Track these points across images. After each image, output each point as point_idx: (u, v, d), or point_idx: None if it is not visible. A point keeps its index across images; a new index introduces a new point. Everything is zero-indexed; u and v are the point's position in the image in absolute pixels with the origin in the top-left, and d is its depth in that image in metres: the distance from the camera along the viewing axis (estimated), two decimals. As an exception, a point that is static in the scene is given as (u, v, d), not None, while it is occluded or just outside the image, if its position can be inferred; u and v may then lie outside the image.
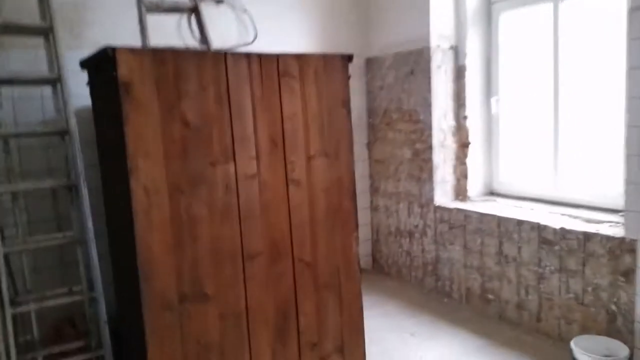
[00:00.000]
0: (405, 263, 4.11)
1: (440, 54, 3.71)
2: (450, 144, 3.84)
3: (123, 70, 1.75)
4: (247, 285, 2.07)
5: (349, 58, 2.25)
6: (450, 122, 3.81)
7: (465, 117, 3.77)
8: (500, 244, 3.29)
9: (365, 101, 4.32)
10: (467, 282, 3.59)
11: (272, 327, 2.14)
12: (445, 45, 3.72)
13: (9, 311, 2.24)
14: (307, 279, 2.22)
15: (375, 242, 4.45)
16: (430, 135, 3.76)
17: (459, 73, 3.76)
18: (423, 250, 3.94)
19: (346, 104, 2.25)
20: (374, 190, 4.40)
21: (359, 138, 4.28)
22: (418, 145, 3.88)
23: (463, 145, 3.84)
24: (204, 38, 2.89)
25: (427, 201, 3.84)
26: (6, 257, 2.44)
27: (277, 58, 2.07)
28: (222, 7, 3.64)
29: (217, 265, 2.00)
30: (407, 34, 3.88)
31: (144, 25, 2.70)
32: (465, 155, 3.82)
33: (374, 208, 4.42)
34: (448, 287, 3.74)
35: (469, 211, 3.52)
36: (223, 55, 1.95)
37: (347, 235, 2.31)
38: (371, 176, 4.39)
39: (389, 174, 4.20)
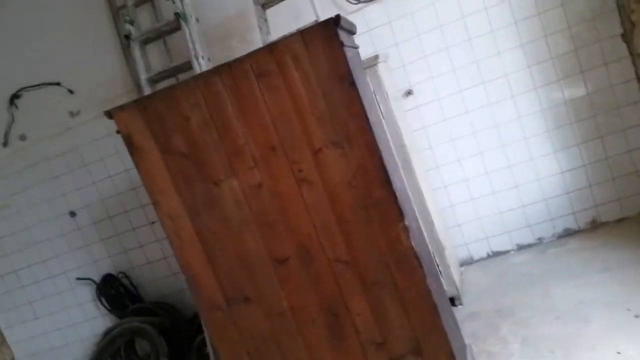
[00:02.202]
0: None
1: None
2: None
3: (121, 126, 2.11)
4: (284, 287, 2.13)
5: (336, 21, 1.86)
6: None
7: None
8: None
9: None
10: None
11: (322, 325, 2.13)
12: None
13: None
14: (351, 278, 2.06)
15: None
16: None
17: None
18: None
19: (346, 76, 1.88)
20: None
21: (606, 29, 3.16)
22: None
23: None
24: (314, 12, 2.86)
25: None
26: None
27: (248, 59, 1.96)
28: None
29: (249, 271, 2.15)
30: None
31: (260, 21, 2.91)
32: None
33: None
34: None
35: None
36: (194, 81, 2.02)
37: (390, 228, 1.97)
38: None
39: None
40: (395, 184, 2.05)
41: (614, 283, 2.69)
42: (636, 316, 2.37)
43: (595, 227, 3.38)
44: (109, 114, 2.11)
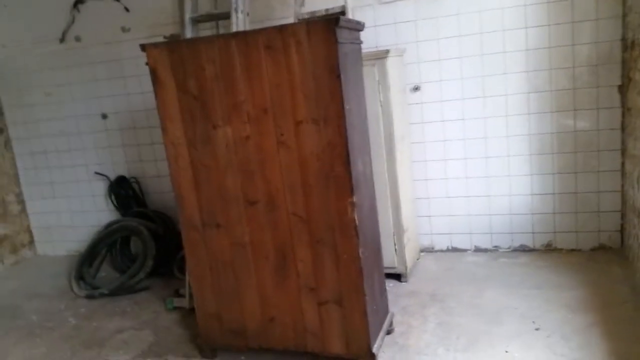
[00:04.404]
0: (637, 250, 3.19)
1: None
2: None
3: (150, 60, 2.55)
4: (249, 224, 2.59)
5: (335, 21, 2.22)
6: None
7: None
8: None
9: (621, 28, 3.32)
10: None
11: (272, 262, 2.59)
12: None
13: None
14: (302, 231, 2.49)
15: (624, 216, 3.53)
16: (652, 80, 2.73)
17: None
18: (645, 238, 2.99)
19: (334, 69, 2.25)
20: (625, 148, 3.45)
21: (606, 78, 3.41)
22: (648, 93, 2.87)
23: None
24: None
25: (647, 172, 2.86)
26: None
27: (261, 33, 2.35)
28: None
29: (225, 204, 2.61)
30: None
31: None
32: None
33: (625, 173, 3.47)
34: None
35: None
36: (216, 39, 2.43)
37: (341, 200, 2.38)
38: (624, 130, 3.43)
39: (632, 129, 3.23)
40: (357, 166, 2.45)
41: (537, 300, 3.07)
42: (536, 329, 2.76)
43: (549, 250, 3.73)
44: (143, 47, 2.54)
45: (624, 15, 3.25)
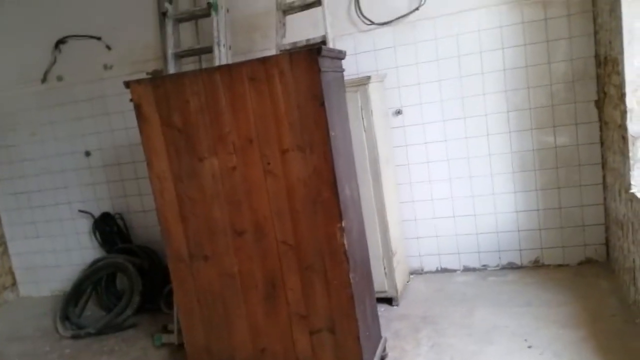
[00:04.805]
0: (623, 262, 3.23)
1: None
2: (663, 106, 2.73)
3: (135, 96, 2.56)
4: (237, 255, 2.58)
5: (318, 51, 2.27)
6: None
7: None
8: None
9: (593, 45, 3.42)
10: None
11: (262, 292, 2.57)
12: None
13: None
14: (291, 259, 2.49)
15: (607, 229, 3.58)
16: (624, 93, 2.82)
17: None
18: (628, 250, 3.03)
19: (318, 97, 2.29)
20: (605, 162, 3.51)
21: (583, 93, 3.50)
22: (622, 107, 2.95)
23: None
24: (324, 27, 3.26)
25: (626, 184, 2.92)
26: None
27: (245, 66, 2.38)
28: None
29: (212, 235, 2.60)
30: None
31: (279, 25, 3.32)
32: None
33: (606, 186, 3.54)
34: (645, 306, 2.83)
35: (645, 205, 2.56)
36: (200, 74, 2.46)
37: (329, 225, 2.39)
38: (603, 144, 3.50)
39: (610, 142, 3.31)
40: (344, 191, 2.47)
41: (527, 317, 3.08)
42: (529, 347, 2.76)
43: (536, 267, 3.76)
44: (127, 84, 2.56)
45: (595, 33, 3.36)
